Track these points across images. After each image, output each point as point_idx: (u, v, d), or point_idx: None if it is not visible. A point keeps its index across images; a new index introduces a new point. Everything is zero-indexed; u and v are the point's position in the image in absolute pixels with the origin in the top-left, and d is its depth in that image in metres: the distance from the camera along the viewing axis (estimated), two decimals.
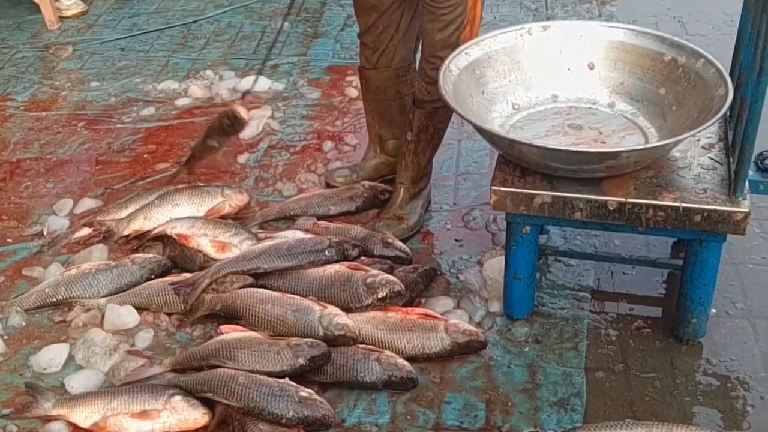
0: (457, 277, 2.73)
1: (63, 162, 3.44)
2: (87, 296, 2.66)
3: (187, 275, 2.67)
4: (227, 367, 2.31)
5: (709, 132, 2.40)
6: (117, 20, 4.61)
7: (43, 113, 3.78)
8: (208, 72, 4.04)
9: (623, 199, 2.23)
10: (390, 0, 2.72)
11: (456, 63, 2.50)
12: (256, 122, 3.54)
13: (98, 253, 2.86)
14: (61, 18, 4.56)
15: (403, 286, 2.54)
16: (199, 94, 3.88)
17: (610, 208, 2.24)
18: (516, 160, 2.36)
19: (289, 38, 4.31)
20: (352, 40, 4.23)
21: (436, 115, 2.77)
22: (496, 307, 2.60)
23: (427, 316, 2.50)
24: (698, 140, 2.41)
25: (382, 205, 3.02)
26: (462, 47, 2.54)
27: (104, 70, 4.12)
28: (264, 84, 3.86)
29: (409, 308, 2.54)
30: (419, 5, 2.66)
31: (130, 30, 4.50)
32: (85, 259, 2.83)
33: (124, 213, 2.98)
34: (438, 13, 2.57)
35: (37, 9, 4.48)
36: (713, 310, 2.49)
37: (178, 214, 2.93)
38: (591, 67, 2.58)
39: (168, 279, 2.68)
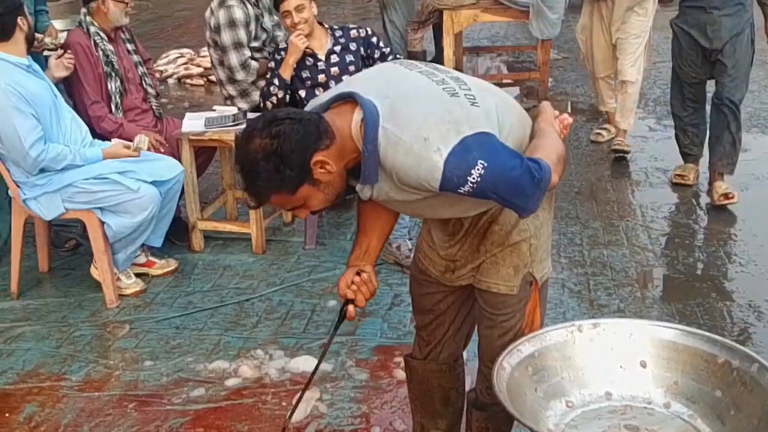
0: None
1: None
2: None
3: None
4: None
5: None
6: (174, 298, 4.76)
7: (96, 393, 3.82)
8: (259, 351, 4.10)
9: None
10: (445, 305, 2.84)
11: (509, 360, 2.53)
12: (304, 405, 3.54)
13: None
14: (121, 296, 4.71)
15: None
16: (249, 374, 3.92)
17: None
18: None
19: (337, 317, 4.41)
20: (399, 320, 4.33)
21: (496, 418, 2.77)
22: None
23: None
24: None
25: None
26: (513, 344, 2.59)
27: (158, 349, 4.20)
28: (311, 364, 3.89)
29: None
30: (476, 312, 2.76)
31: (186, 308, 4.63)
32: None
33: None
34: (498, 320, 2.68)
35: (98, 287, 4.66)
36: None
37: None
38: (643, 365, 2.59)
39: None
